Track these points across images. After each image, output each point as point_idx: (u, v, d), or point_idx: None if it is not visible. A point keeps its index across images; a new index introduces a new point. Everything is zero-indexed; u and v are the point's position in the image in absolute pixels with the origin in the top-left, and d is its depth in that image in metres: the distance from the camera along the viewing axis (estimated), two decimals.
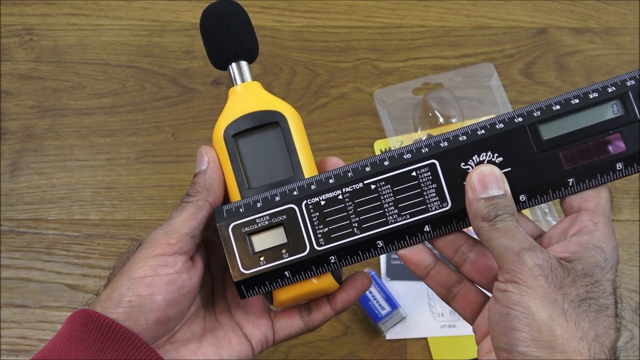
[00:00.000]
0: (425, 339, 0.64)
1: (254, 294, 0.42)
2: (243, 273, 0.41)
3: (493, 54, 0.73)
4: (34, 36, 0.73)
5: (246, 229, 0.42)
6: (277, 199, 0.42)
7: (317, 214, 0.41)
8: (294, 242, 0.41)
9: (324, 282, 0.43)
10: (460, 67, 0.72)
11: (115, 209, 0.67)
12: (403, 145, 0.42)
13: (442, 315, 0.64)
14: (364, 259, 0.42)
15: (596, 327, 0.36)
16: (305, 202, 0.41)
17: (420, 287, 0.65)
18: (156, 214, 0.68)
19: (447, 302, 0.43)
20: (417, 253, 0.42)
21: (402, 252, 0.42)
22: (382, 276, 0.65)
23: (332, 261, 0.41)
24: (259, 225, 0.41)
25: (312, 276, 0.42)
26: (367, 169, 0.41)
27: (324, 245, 0.41)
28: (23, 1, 0.74)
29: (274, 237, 0.42)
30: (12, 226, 0.67)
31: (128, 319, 0.40)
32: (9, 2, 0.74)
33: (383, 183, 0.41)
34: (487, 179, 0.39)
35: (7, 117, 0.70)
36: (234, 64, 0.45)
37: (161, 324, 0.41)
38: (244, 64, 0.45)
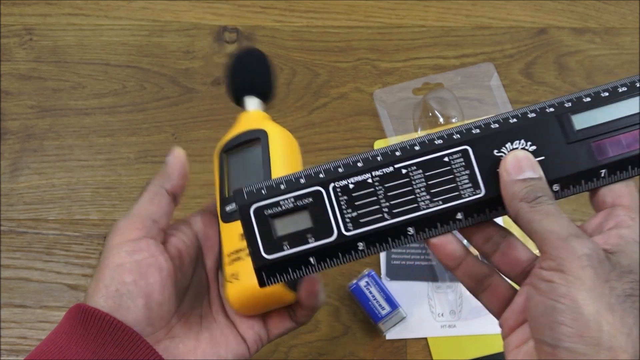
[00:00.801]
0: (425, 339, 0.64)
1: (275, 282, 0.40)
2: (265, 258, 0.39)
3: (493, 54, 0.73)
4: (34, 36, 0.73)
5: (269, 212, 0.39)
6: (302, 181, 0.40)
7: (346, 197, 0.40)
8: (320, 226, 0.39)
9: (276, 289, 0.43)
10: (460, 67, 0.72)
11: (115, 209, 0.67)
12: (447, 129, 0.41)
13: (442, 315, 0.64)
14: (393, 247, 0.40)
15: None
16: (332, 185, 0.40)
17: (420, 287, 0.65)
18: None
19: (475, 295, 0.42)
20: (448, 243, 0.40)
21: (433, 241, 0.40)
22: (382, 276, 0.65)
23: (359, 248, 0.40)
24: (284, 207, 0.39)
25: (337, 264, 0.40)
26: (397, 153, 0.40)
27: (353, 230, 0.39)
28: (23, 1, 0.74)
29: (299, 221, 0.40)
30: (12, 226, 0.67)
31: (120, 308, 0.40)
32: (9, 2, 0.74)
33: (414, 168, 0.40)
34: (522, 162, 0.38)
35: (7, 117, 0.70)
36: (247, 98, 0.49)
37: (150, 308, 0.41)
38: (257, 100, 0.49)
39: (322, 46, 0.74)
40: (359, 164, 0.40)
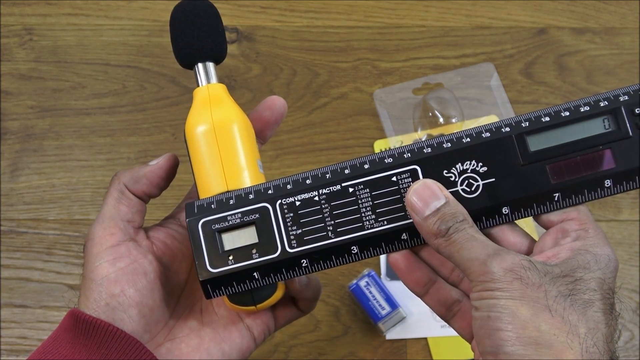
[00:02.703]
0: (425, 339, 0.64)
1: (220, 294, 0.40)
2: (210, 272, 0.40)
3: (493, 54, 0.73)
4: (34, 36, 0.73)
5: (217, 226, 0.40)
6: (251, 197, 0.40)
7: (291, 214, 0.40)
8: (265, 242, 0.40)
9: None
10: (460, 67, 0.72)
11: None
12: (398, 146, 0.41)
13: None
14: (337, 265, 0.40)
15: (586, 321, 0.35)
16: (279, 201, 0.40)
17: None
18: (156, 214, 0.67)
19: (447, 321, 0.42)
20: (415, 270, 0.41)
21: (400, 267, 0.41)
22: (382, 276, 0.65)
23: (303, 265, 0.40)
24: (230, 222, 0.40)
25: (282, 279, 0.40)
26: (347, 171, 0.40)
27: (296, 247, 0.40)
28: (23, 1, 0.74)
29: (245, 236, 0.40)
30: (12, 226, 0.67)
31: (114, 321, 0.40)
32: (9, 2, 0.74)
33: (362, 187, 0.40)
34: (424, 196, 0.38)
35: (7, 117, 0.70)
36: (200, 65, 0.44)
37: (144, 315, 0.41)
38: (210, 65, 0.44)
39: (322, 46, 0.74)
40: (308, 181, 0.40)
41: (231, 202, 0.40)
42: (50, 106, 0.71)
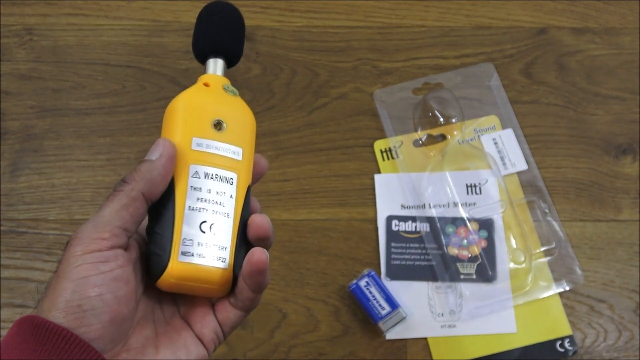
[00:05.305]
0: (425, 339, 0.64)
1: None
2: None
3: (493, 54, 0.73)
4: (34, 36, 0.73)
5: None
6: None
7: None
8: None
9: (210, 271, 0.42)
10: (460, 67, 0.72)
11: None
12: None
13: (442, 315, 0.64)
14: None
15: None
16: None
17: (420, 287, 0.65)
18: None
19: None
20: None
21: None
22: (382, 276, 0.65)
23: None
24: None
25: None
26: None
27: None
28: (23, 1, 0.74)
29: None
30: (12, 226, 0.67)
31: (82, 325, 0.37)
32: (9, 2, 0.74)
33: None
34: None
35: (7, 117, 0.70)
36: (211, 60, 0.46)
37: (115, 324, 0.38)
38: (222, 63, 0.46)
39: (322, 46, 0.74)
40: None
41: None
42: (50, 106, 0.71)
